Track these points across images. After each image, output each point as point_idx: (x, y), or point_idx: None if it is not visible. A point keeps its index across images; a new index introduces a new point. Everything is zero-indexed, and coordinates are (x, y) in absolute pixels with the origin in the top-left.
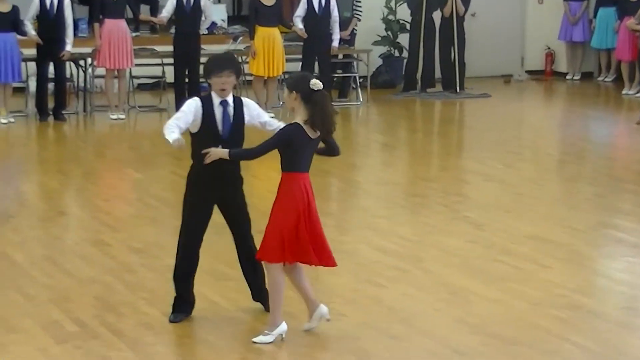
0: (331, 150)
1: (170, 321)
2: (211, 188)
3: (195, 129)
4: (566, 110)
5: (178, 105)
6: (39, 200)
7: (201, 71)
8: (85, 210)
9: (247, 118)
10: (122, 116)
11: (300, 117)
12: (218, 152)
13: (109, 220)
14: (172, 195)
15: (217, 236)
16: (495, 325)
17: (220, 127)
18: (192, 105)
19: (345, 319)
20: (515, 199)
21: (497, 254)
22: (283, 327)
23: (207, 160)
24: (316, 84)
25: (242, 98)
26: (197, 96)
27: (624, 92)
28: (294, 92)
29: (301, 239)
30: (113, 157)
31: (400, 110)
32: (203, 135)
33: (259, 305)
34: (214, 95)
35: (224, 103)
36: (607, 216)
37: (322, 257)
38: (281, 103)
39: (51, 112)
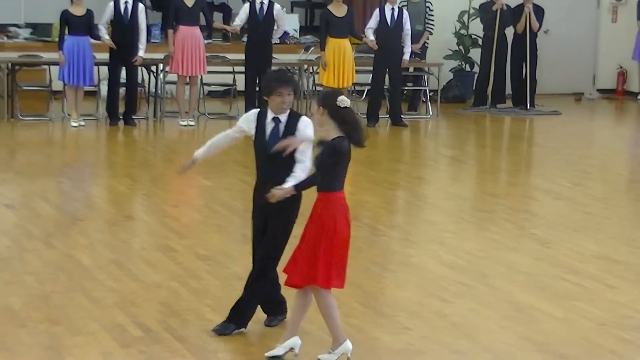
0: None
1: (267, 325)
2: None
3: (252, 139)
4: (637, 130)
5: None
6: (107, 204)
7: None
8: (152, 215)
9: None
10: (192, 123)
11: (334, 132)
12: (282, 192)
13: (176, 226)
14: (240, 203)
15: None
16: (560, 344)
17: (268, 143)
18: (247, 117)
19: (409, 333)
20: (583, 217)
21: (564, 272)
22: (347, 345)
23: (272, 200)
24: (343, 100)
25: (302, 117)
26: (260, 107)
27: None
28: (321, 107)
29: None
30: (182, 163)
31: (470, 125)
32: (255, 147)
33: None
34: (269, 110)
35: (276, 120)
36: None
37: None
38: None
39: (121, 117)
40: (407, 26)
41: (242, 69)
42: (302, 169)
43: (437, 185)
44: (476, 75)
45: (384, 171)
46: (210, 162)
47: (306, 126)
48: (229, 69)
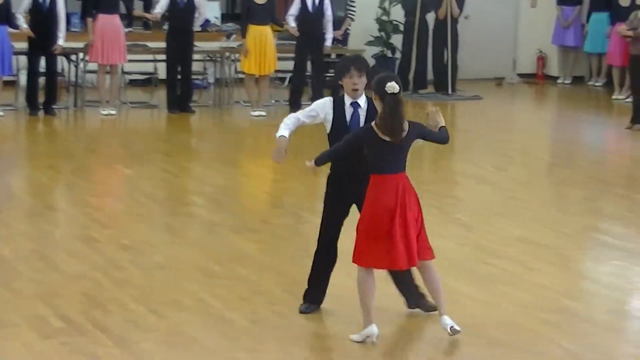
0: (439, 141)
1: (302, 312)
2: (350, 189)
3: (327, 130)
4: (557, 114)
5: (170, 101)
6: (27, 195)
7: (194, 68)
8: (74, 205)
9: None
10: (113, 112)
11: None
12: (308, 165)
13: (98, 216)
14: (162, 192)
15: (209, 234)
16: (484, 327)
17: (350, 128)
18: (322, 103)
19: (333, 317)
20: (506, 201)
21: (487, 256)
22: (372, 329)
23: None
24: (390, 87)
25: None
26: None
27: (614, 96)
28: (374, 93)
29: (388, 242)
30: (103, 152)
31: None
32: (334, 136)
33: (247, 304)
34: (345, 96)
35: (354, 104)
36: (595, 220)
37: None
38: (273, 101)
39: (41, 107)
40: (328, 12)
41: (164, 57)
42: None
43: None
44: (398, 61)
45: (309, 159)
46: (130, 151)
47: None
48: (150, 57)
